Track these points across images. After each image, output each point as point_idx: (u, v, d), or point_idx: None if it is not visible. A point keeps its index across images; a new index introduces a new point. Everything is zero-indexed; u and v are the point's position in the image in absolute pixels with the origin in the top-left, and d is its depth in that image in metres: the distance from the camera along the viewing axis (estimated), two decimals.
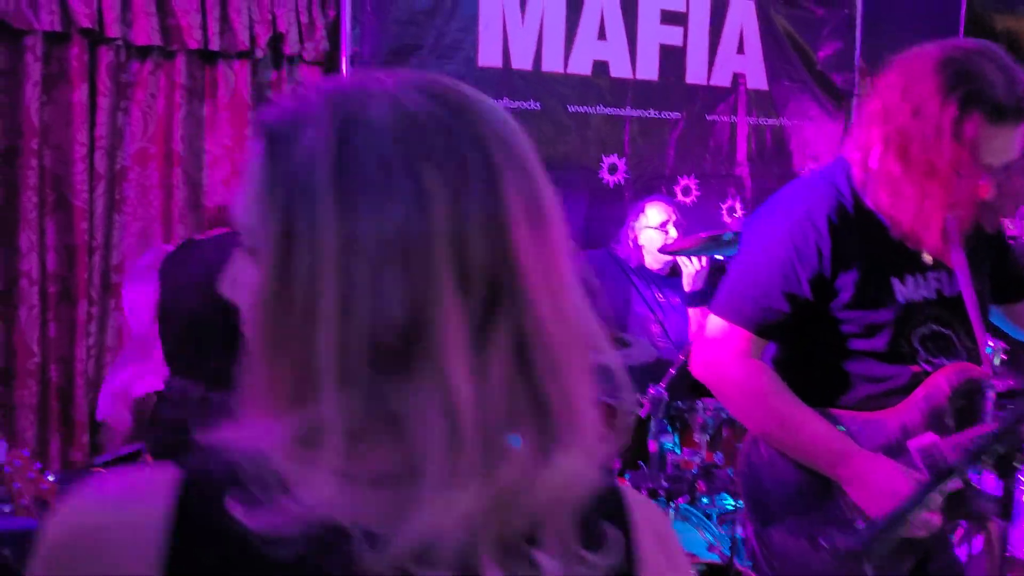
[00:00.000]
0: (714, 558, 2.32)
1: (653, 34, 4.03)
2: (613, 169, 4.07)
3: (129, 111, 3.15)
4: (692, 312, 3.59)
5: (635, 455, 2.66)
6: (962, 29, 4.59)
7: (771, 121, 4.45)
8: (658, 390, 2.36)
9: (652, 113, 4.12)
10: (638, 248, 3.68)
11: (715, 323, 1.53)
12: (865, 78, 4.70)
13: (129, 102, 3.15)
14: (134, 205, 3.19)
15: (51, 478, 1.73)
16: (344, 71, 3.35)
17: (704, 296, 3.62)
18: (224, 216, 2.48)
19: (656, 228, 3.63)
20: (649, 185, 4.16)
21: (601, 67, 3.95)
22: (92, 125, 3.00)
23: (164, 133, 3.20)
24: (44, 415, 2.93)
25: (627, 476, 2.47)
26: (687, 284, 3.57)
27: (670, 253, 3.22)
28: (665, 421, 2.69)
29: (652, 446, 2.37)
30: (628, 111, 4.06)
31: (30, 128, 2.86)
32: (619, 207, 4.06)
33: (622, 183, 4.10)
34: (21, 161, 2.87)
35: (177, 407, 2.37)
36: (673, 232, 3.61)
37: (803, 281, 1.47)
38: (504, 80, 3.73)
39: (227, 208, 2.47)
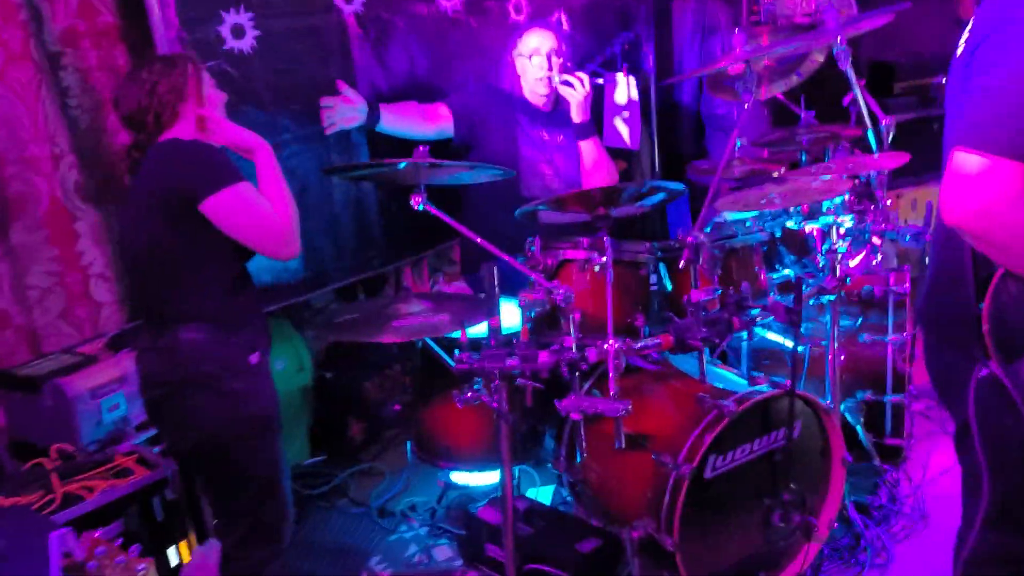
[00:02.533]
0: (764, 390, 2.32)
1: None
2: None
3: None
4: (585, 146, 3.42)
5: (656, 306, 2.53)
6: None
7: None
8: (695, 235, 2.21)
9: None
10: (518, 80, 3.39)
11: (973, 162, 1.37)
12: None
13: None
14: None
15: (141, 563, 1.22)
16: None
17: (591, 126, 3.45)
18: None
19: (537, 57, 3.34)
20: (483, 10, 3.77)
21: None
22: None
23: None
24: None
25: (647, 326, 2.34)
26: (577, 114, 3.37)
27: None
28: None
29: (696, 295, 2.25)
30: None
31: None
32: (464, 39, 3.67)
33: (460, 9, 3.67)
34: None
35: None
36: (556, 64, 3.34)
37: None
38: None
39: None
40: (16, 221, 2.59)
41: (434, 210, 2.23)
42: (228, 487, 2.15)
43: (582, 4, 4.22)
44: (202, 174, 1.95)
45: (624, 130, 4.06)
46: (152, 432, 2.58)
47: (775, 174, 2.54)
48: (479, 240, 2.23)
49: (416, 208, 2.22)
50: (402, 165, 2.20)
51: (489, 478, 2.97)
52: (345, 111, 3.06)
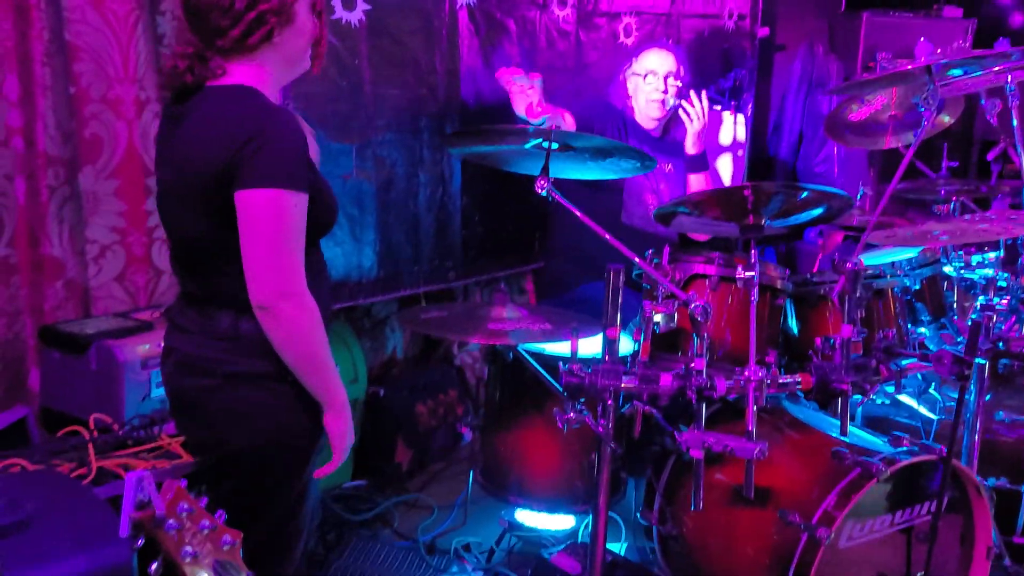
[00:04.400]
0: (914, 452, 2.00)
1: None
2: (563, 2, 3.44)
3: None
4: (695, 180, 3.17)
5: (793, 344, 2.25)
6: None
7: None
8: (855, 261, 1.93)
9: None
10: (628, 99, 3.17)
11: None
12: None
13: None
14: None
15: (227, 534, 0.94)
16: None
17: (705, 159, 3.21)
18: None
19: (651, 77, 3.11)
20: (593, 26, 3.59)
21: None
22: None
23: None
24: None
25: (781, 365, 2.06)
26: (692, 145, 3.13)
27: None
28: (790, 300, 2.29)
29: (847, 331, 1.96)
30: None
31: None
32: (571, 52, 3.48)
33: (571, 20, 3.48)
34: None
35: None
36: (673, 86, 3.11)
37: None
38: None
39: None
40: (88, 165, 2.37)
41: (559, 197, 1.97)
42: (254, 502, 1.79)
43: (689, 39, 4.04)
44: (256, 158, 1.54)
45: (726, 171, 3.83)
46: None
47: (937, 210, 2.27)
48: (609, 238, 1.95)
49: (540, 192, 1.96)
50: (528, 145, 1.95)
51: (560, 522, 2.65)
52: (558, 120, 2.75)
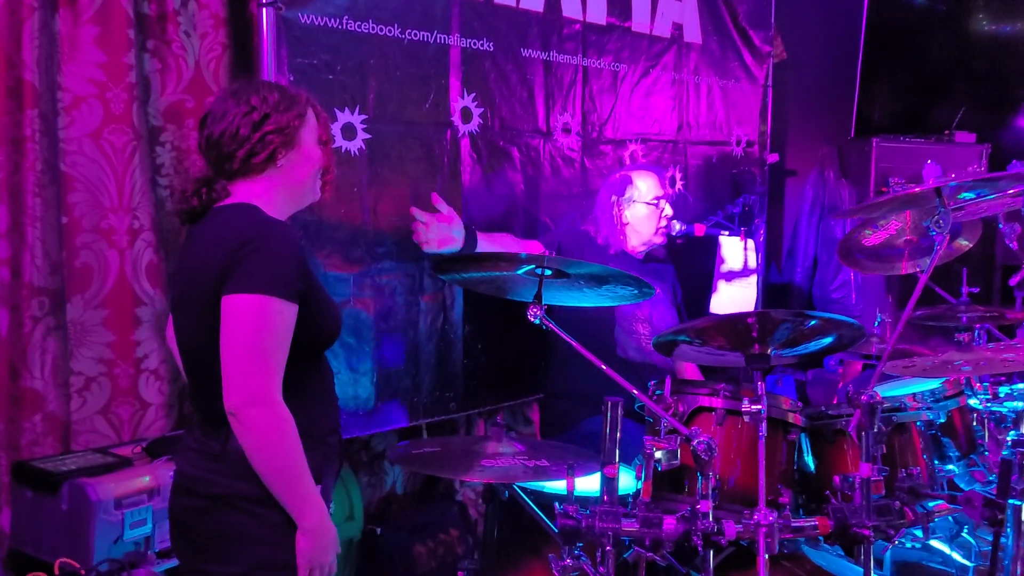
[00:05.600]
0: None
1: None
2: (567, 130, 3.48)
3: None
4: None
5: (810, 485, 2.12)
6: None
7: (705, 80, 4.10)
8: (871, 393, 1.84)
9: (604, 64, 3.59)
10: (622, 227, 3.13)
11: None
12: (778, 38, 4.51)
13: None
14: None
15: None
16: None
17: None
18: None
19: (650, 203, 3.12)
20: (599, 152, 3.62)
21: (553, 5, 3.36)
22: None
23: (7, 57, 2.12)
24: None
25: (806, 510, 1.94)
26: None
27: None
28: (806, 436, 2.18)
29: (865, 470, 1.85)
30: (580, 59, 3.49)
31: None
32: (576, 179, 3.50)
33: (576, 148, 3.52)
34: None
35: None
36: (668, 210, 3.11)
37: None
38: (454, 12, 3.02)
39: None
40: (76, 295, 2.36)
41: (552, 325, 1.92)
42: None
43: (697, 164, 4.08)
44: (245, 263, 1.60)
45: (731, 300, 3.76)
46: (175, 562, 2.20)
47: (958, 338, 2.19)
48: (606, 368, 1.89)
49: (532, 321, 1.91)
50: (521, 271, 1.91)
51: None
52: (440, 230, 2.78)
